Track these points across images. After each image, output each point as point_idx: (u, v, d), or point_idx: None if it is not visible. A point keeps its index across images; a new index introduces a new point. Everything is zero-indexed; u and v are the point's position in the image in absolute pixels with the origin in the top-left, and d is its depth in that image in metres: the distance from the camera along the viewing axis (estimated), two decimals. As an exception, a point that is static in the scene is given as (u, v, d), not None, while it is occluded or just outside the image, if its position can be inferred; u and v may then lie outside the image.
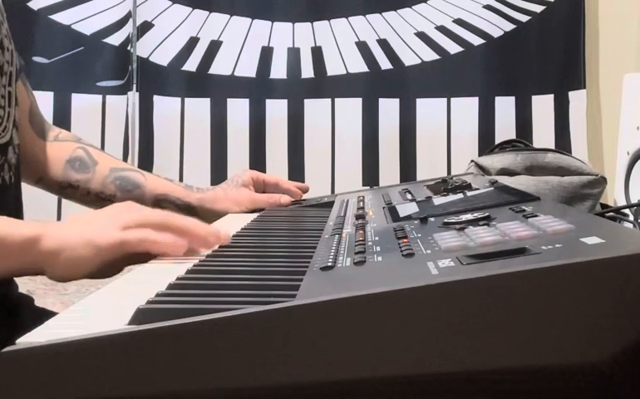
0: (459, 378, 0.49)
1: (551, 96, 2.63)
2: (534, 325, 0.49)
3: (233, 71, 2.63)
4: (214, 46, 2.63)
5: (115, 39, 2.58)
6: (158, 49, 2.61)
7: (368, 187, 2.47)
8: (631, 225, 1.23)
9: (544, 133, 2.61)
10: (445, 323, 0.49)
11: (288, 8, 2.63)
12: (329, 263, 0.63)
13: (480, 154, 1.82)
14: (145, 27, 2.61)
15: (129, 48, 2.59)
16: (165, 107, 2.60)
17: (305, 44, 2.63)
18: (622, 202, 1.62)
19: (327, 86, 2.63)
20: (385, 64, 2.64)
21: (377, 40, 2.64)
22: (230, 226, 0.99)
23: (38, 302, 1.09)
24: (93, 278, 0.78)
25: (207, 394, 0.49)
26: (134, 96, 2.59)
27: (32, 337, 0.50)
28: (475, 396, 0.50)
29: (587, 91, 2.61)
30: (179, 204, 1.21)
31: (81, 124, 2.47)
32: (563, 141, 2.59)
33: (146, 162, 2.55)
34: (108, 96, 2.58)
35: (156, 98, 2.60)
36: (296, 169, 2.60)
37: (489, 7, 2.64)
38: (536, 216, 0.68)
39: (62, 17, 2.57)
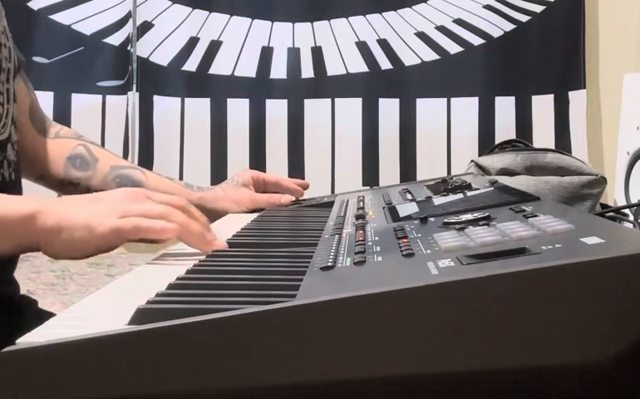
0: (459, 378, 0.49)
1: (551, 96, 2.63)
2: (534, 325, 0.49)
3: (233, 71, 2.63)
4: (214, 46, 2.63)
5: (115, 39, 2.58)
6: (158, 49, 2.61)
7: (368, 187, 2.47)
8: (631, 225, 1.23)
9: (544, 133, 2.61)
10: (445, 323, 0.49)
11: (288, 8, 2.63)
12: (329, 263, 0.63)
13: (480, 154, 1.82)
14: (145, 27, 2.61)
15: (129, 48, 2.59)
16: (165, 107, 2.61)
17: (305, 44, 2.64)
18: (622, 202, 1.62)
19: (327, 86, 2.64)
20: (385, 64, 2.64)
21: (377, 40, 2.64)
22: (230, 226, 0.99)
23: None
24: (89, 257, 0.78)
25: (207, 394, 0.49)
26: (134, 96, 2.59)
27: (31, 337, 0.50)
28: (475, 396, 0.50)
29: (587, 91, 2.61)
30: None
31: (81, 124, 2.47)
32: (563, 141, 2.60)
33: (146, 162, 2.55)
34: (108, 96, 2.58)
35: (156, 98, 2.60)
36: (296, 169, 2.60)
37: (489, 7, 2.64)
38: (536, 216, 0.68)
39: (62, 17, 2.57)
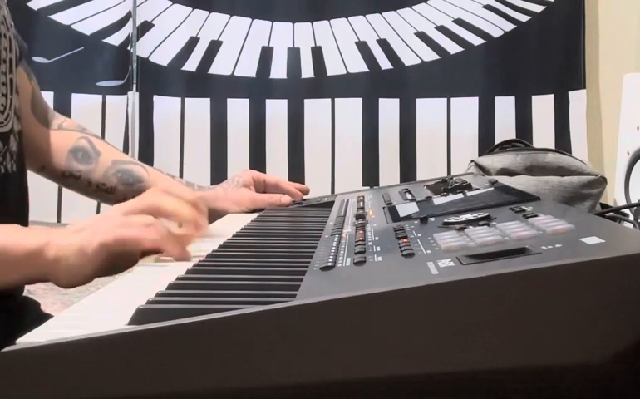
0: (459, 378, 0.49)
1: (551, 96, 2.63)
2: (534, 325, 0.49)
3: (233, 71, 2.63)
4: (214, 46, 2.63)
5: (115, 39, 2.58)
6: (158, 49, 2.61)
7: (368, 187, 2.47)
8: (631, 225, 1.23)
9: (544, 133, 2.61)
10: (445, 323, 0.49)
11: (288, 8, 2.63)
12: (329, 263, 0.63)
13: (480, 154, 1.82)
14: (145, 27, 2.61)
15: (129, 48, 2.59)
16: (165, 107, 2.60)
17: (305, 44, 2.63)
18: (622, 202, 1.62)
19: (327, 86, 2.63)
20: (385, 64, 2.64)
21: (377, 40, 2.64)
22: (230, 226, 0.99)
23: (38, 303, 1.09)
24: (101, 277, 0.78)
25: (207, 394, 0.49)
26: (134, 95, 2.59)
27: (32, 337, 0.50)
28: (475, 396, 0.50)
29: (587, 91, 2.60)
30: None
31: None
32: (563, 141, 2.59)
33: (146, 162, 2.52)
34: (108, 96, 2.58)
35: (156, 98, 2.60)
36: (296, 169, 2.60)
37: (489, 7, 2.64)
38: (536, 216, 0.68)
39: (62, 17, 2.57)
